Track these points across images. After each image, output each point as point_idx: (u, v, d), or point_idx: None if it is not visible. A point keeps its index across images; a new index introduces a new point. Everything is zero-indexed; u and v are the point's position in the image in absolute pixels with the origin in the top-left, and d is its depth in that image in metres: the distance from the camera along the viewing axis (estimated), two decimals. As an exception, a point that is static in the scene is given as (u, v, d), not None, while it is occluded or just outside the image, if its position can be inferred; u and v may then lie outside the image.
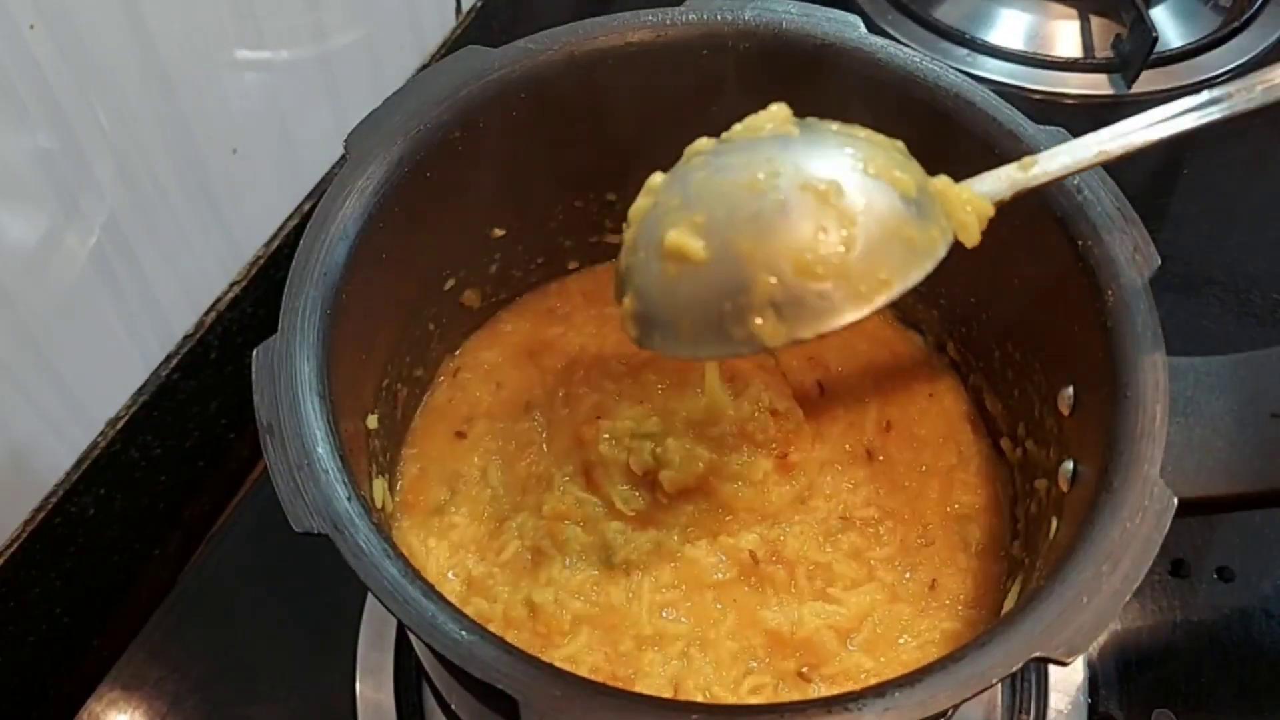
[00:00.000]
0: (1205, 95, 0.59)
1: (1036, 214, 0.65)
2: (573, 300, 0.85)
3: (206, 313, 0.98)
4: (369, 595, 0.71)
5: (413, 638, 0.75)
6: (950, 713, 0.52)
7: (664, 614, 0.69)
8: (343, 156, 0.65)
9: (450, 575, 0.71)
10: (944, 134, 0.69)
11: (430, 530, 0.73)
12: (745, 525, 0.72)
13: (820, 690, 0.66)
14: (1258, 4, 1.31)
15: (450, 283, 0.76)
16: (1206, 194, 1.17)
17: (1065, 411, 0.66)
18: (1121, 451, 0.56)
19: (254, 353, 0.57)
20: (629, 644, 0.67)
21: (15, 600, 0.87)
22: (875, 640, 0.68)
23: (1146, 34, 1.19)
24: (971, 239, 0.57)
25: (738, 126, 0.59)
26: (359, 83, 1.05)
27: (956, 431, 0.78)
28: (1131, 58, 1.22)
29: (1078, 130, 0.67)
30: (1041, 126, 0.67)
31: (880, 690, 0.49)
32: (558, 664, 0.50)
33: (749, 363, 0.79)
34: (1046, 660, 0.50)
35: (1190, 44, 1.27)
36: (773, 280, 0.52)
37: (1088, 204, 0.64)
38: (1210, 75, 1.25)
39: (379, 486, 0.69)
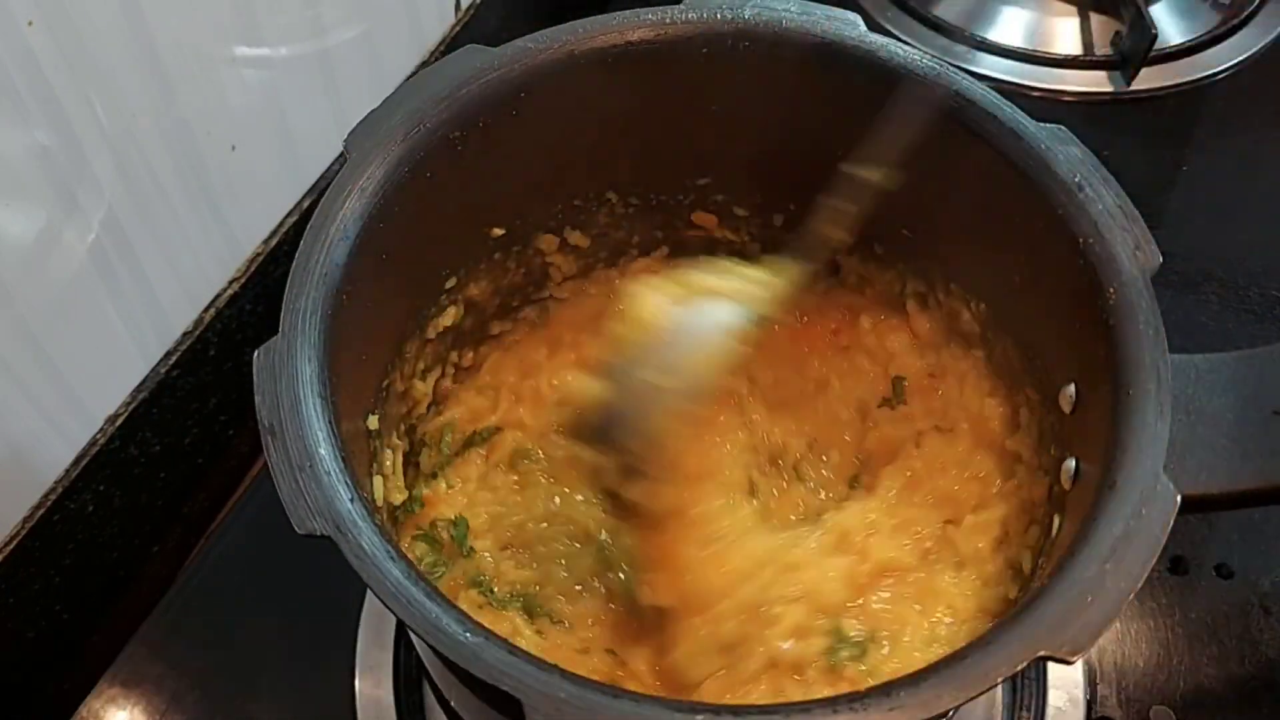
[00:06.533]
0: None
1: (1038, 212, 0.65)
2: (571, 295, 0.85)
3: (205, 309, 0.98)
4: (368, 592, 0.72)
5: (414, 638, 0.75)
6: (952, 712, 0.52)
7: None
8: (342, 154, 0.65)
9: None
10: (944, 132, 0.69)
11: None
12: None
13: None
14: (1257, 1, 1.31)
15: (451, 281, 0.76)
16: (1206, 191, 1.17)
17: (1067, 409, 0.65)
18: (1124, 449, 0.56)
19: (255, 354, 0.57)
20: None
21: (15, 596, 0.86)
22: None
23: (1146, 31, 1.19)
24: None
25: None
26: (358, 79, 1.04)
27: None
28: (1131, 55, 1.22)
29: (1077, 127, 0.67)
30: (1042, 124, 0.67)
31: (885, 690, 0.49)
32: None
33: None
34: (1051, 659, 0.50)
35: (1190, 41, 1.27)
36: None
37: (1089, 202, 0.64)
38: (1210, 72, 1.25)
39: (378, 484, 0.69)
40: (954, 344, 0.78)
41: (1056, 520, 0.63)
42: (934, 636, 0.67)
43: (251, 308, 1.02)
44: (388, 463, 0.71)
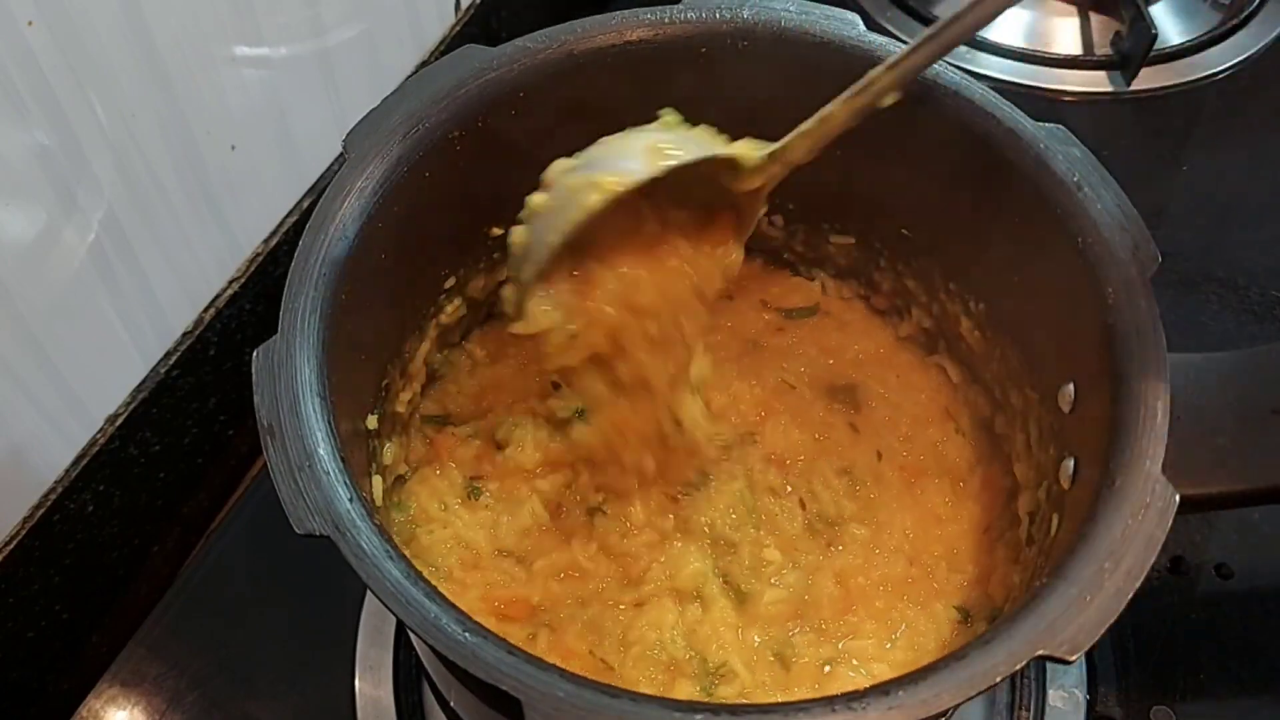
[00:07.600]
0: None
1: (1037, 211, 0.65)
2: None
3: (205, 309, 0.98)
4: (368, 592, 0.72)
5: (414, 637, 0.75)
6: (951, 711, 0.52)
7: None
8: (341, 154, 0.65)
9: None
10: (944, 132, 0.69)
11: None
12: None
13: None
14: (1256, 1, 1.31)
15: (450, 281, 0.76)
16: (1206, 191, 1.17)
17: (1066, 409, 0.66)
18: (1123, 449, 0.56)
19: (254, 354, 0.57)
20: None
21: (15, 597, 0.86)
22: None
23: (1146, 31, 1.19)
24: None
25: None
26: (357, 79, 1.04)
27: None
28: (1131, 55, 1.22)
29: (1076, 127, 0.67)
30: (1041, 124, 0.67)
31: (884, 689, 0.49)
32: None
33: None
34: (1050, 658, 0.50)
35: (1190, 41, 1.27)
36: None
37: (1088, 201, 0.64)
38: (1210, 72, 1.25)
39: (377, 484, 0.69)
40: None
41: (1055, 520, 0.63)
42: None
43: (251, 308, 1.02)
44: (387, 461, 0.71)
